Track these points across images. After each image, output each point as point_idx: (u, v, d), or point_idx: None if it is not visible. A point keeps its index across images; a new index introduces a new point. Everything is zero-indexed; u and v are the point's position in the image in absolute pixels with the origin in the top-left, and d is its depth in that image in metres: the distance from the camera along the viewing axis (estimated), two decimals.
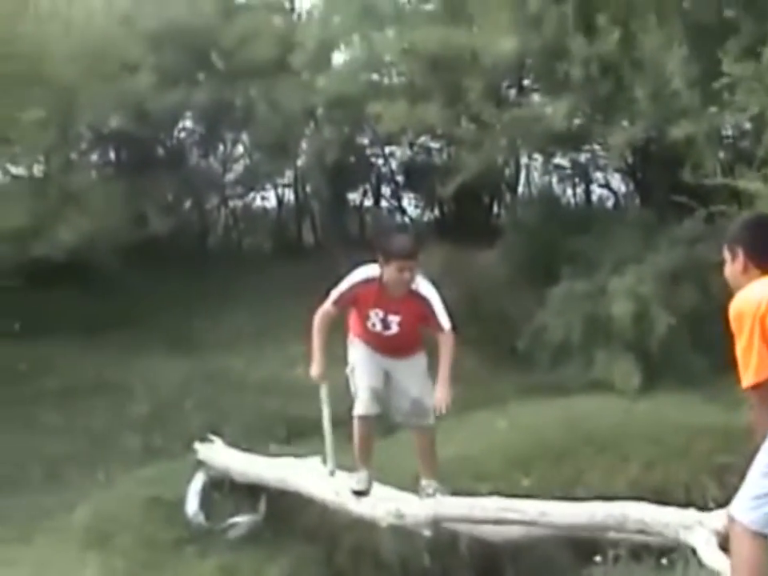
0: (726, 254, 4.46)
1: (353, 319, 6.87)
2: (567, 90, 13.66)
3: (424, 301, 6.57)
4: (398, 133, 15.61)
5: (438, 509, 6.61)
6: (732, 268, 4.41)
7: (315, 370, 6.84)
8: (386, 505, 6.92)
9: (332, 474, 7.50)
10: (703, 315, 13.06)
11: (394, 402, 6.89)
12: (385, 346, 6.77)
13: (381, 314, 6.61)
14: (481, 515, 6.44)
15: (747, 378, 4.02)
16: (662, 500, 8.82)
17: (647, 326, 12.90)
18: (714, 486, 9.62)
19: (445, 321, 6.59)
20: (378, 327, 6.68)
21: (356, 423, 6.86)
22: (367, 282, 6.58)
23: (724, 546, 4.70)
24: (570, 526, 5.88)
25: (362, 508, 7.18)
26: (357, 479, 7.10)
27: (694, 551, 5.27)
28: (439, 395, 6.43)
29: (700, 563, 5.24)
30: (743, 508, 3.99)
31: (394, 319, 6.63)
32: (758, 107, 9.87)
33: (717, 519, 4.88)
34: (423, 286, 6.60)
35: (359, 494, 7.07)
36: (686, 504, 9.02)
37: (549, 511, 5.97)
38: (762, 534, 3.94)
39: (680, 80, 12.11)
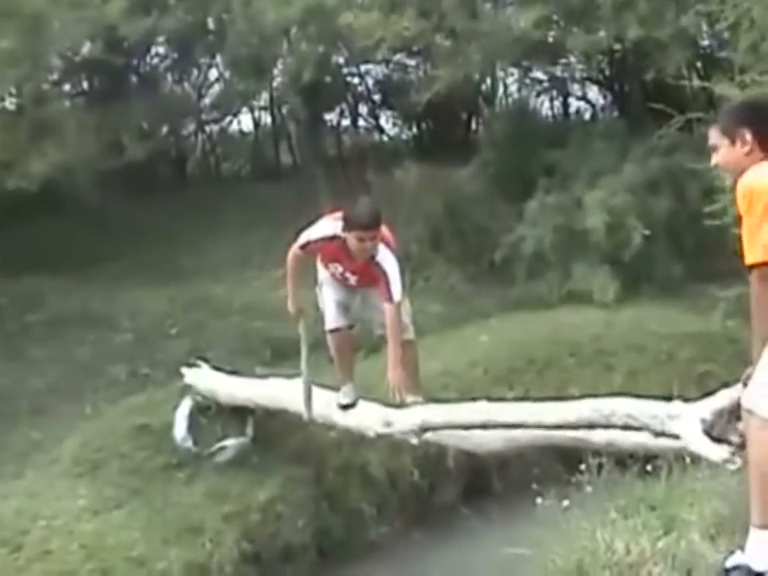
0: (722, 139, 4.28)
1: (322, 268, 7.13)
2: (538, 2, 13.55)
3: (382, 273, 6.68)
4: (373, 47, 15.39)
5: (425, 416, 6.66)
6: (734, 151, 4.21)
7: (291, 306, 7.26)
8: (373, 415, 7.01)
9: (307, 414, 7.62)
10: (680, 225, 13.12)
11: (371, 315, 7.08)
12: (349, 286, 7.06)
13: (340, 268, 6.88)
14: (468, 419, 6.48)
15: (755, 255, 3.90)
16: None
17: (623, 237, 12.92)
18: (696, 393, 9.70)
19: (396, 293, 6.68)
20: (338, 277, 6.97)
21: (329, 338, 7.15)
22: (332, 239, 6.74)
23: (709, 432, 4.75)
24: (557, 424, 5.89)
25: (349, 420, 7.32)
26: (342, 393, 7.30)
27: (681, 457, 5.37)
28: (393, 380, 6.59)
29: (684, 467, 5.35)
30: (759, 399, 3.85)
31: (351, 277, 6.91)
32: (733, 16, 9.78)
33: (703, 408, 4.91)
34: (384, 257, 6.71)
35: (346, 407, 7.25)
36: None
37: (536, 411, 6.02)
38: None
39: None
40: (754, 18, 9.57)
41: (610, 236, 12.88)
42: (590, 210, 13.02)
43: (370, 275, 6.74)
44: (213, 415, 8.96)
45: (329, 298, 7.07)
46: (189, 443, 8.72)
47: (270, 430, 8.84)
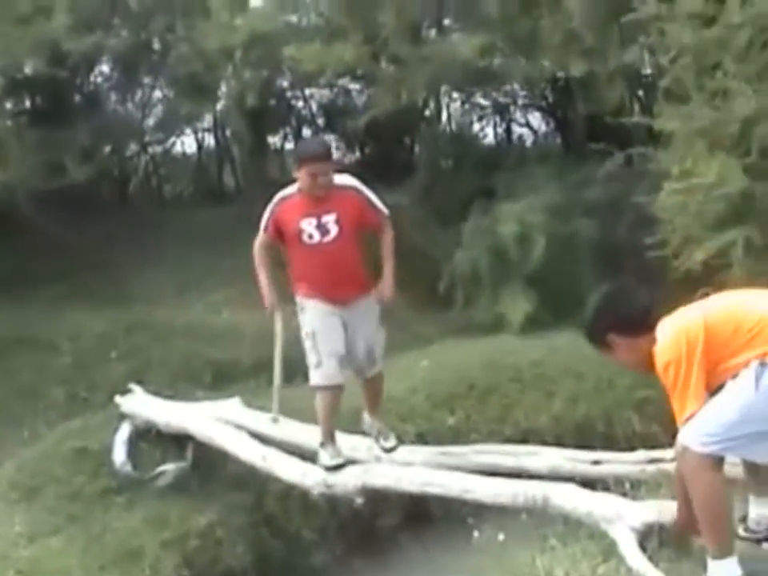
0: (602, 351, 4.44)
1: (292, 267, 6.62)
2: (484, 29, 13.71)
3: (353, 189, 6.45)
4: (317, 73, 15.54)
5: (366, 478, 6.54)
6: (618, 355, 4.40)
7: (267, 300, 6.63)
8: (314, 475, 6.74)
9: (275, 421, 7.51)
10: (617, 252, 13.27)
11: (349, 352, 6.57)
12: (329, 270, 6.42)
13: (314, 220, 6.33)
14: (407, 487, 6.45)
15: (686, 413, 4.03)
16: (585, 434, 9.12)
17: (530, 250, 13.13)
18: (636, 419, 9.81)
19: (381, 205, 6.53)
20: (317, 236, 6.36)
21: (320, 395, 6.50)
22: (285, 198, 6.43)
23: (643, 544, 4.72)
24: (492, 503, 5.92)
25: (291, 476, 7.11)
26: (329, 454, 6.65)
27: (621, 483, 5.42)
28: (387, 289, 6.50)
29: (623, 493, 5.40)
30: (696, 435, 4.00)
31: (329, 219, 6.34)
32: (675, 49, 9.93)
33: (639, 512, 4.88)
34: (346, 179, 6.47)
35: (335, 468, 6.61)
36: (607, 437, 9.33)
37: (472, 488, 5.96)
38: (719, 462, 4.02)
39: (579, 18, 12.27)
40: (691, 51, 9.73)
41: (520, 248, 13.03)
42: (504, 221, 13.21)
43: (346, 204, 6.35)
44: (153, 439, 8.90)
45: (326, 349, 6.37)
46: (128, 468, 8.64)
47: (210, 454, 8.74)
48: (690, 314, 4.19)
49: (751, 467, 4.41)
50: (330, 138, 21.50)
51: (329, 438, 6.68)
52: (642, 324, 4.26)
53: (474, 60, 13.55)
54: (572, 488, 5.38)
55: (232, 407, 8.49)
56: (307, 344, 6.47)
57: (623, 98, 13.54)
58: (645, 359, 4.23)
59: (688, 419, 4.00)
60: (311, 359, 6.44)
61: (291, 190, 6.43)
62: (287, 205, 6.41)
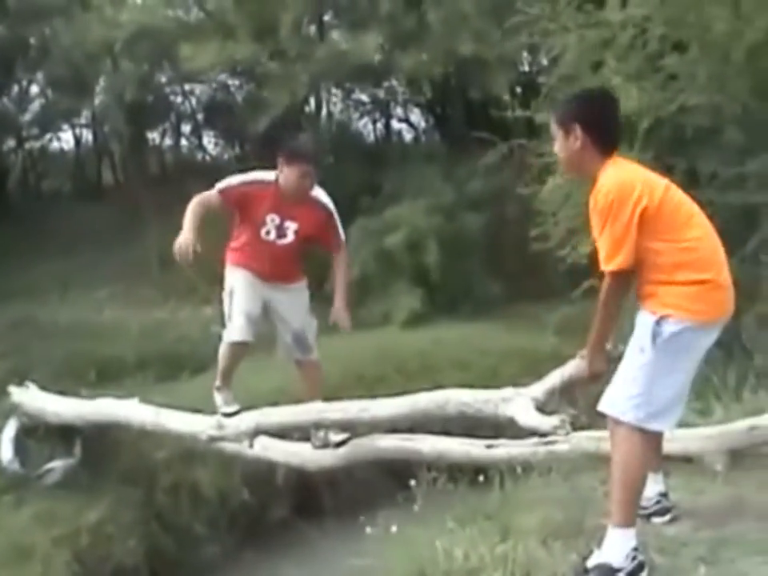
0: (557, 130, 4.38)
1: (237, 241, 6.57)
2: (369, 26, 13.81)
3: (324, 209, 6.46)
4: (205, 70, 15.50)
5: (260, 420, 6.55)
6: (567, 144, 4.32)
7: (186, 237, 5.91)
8: (205, 421, 6.81)
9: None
10: (500, 245, 13.50)
11: (278, 335, 6.75)
12: (271, 263, 6.48)
13: (277, 219, 6.36)
14: (304, 418, 6.48)
15: (616, 262, 4.06)
16: (472, 423, 9.23)
17: (422, 257, 13.31)
18: None
19: (341, 230, 6.56)
20: (273, 235, 6.40)
21: (227, 349, 6.62)
22: (263, 183, 6.33)
23: (542, 409, 5.02)
24: (391, 417, 6.01)
25: (180, 425, 7.12)
26: (224, 401, 6.76)
27: (513, 469, 5.55)
28: (342, 314, 6.41)
29: (516, 477, 5.53)
30: (627, 407, 4.12)
31: (290, 226, 6.41)
32: (558, 48, 10.18)
33: (535, 389, 5.20)
34: (322, 194, 6.47)
35: (231, 414, 6.69)
36: (494, 426, 9.46)
37: (369, 407, 6.11)
38: (646, 429, 4.13)
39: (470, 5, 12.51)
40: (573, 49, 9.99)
41: (410, 256, 13.20)
42: (391, 230, 13.34)
43: (311, 219, 6.40)
44: (40, 437, 8.75)
45: (239, 307, 6.44)
46: (16, 466, 8.47)
47: (99, 450, 8.66)
48: (656, 180, 4.25)
49: None
50: (210, 135, 21.55)
51: (225, 383, 6.78)
52: (609, 138, 4.31)
53: (363, 57, 13.63)
54: (469, 390, 5.68)
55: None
56: (225, 301, 6.58)
57: (502, 90, 13.79)
58: (584, 167, 4.32)
59: (612, 272, 4.10)
60: (226, 316, 6.57)
61: (269, 176, 6.35)
62: (262, 190, 6.33)
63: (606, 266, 4.11)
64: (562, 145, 4.36)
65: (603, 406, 4.21)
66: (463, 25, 13.13)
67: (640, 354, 4.13)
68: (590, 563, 4.13)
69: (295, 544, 8.62)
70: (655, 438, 4.46)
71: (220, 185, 6.36)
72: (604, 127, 4.31)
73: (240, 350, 6.60)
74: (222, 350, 6.67)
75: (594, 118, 4.29)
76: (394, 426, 6.35)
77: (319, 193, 6.47)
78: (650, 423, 4.12)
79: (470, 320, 12.77)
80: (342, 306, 6.44)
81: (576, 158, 4.32)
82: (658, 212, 4.08)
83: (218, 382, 6.81)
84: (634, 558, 4.11)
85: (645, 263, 4.12)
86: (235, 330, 6.49)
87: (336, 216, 6.54)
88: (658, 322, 4.08)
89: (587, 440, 5.72)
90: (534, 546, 4.47)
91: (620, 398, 4.15)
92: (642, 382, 4.10)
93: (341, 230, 6.61)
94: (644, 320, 4.15)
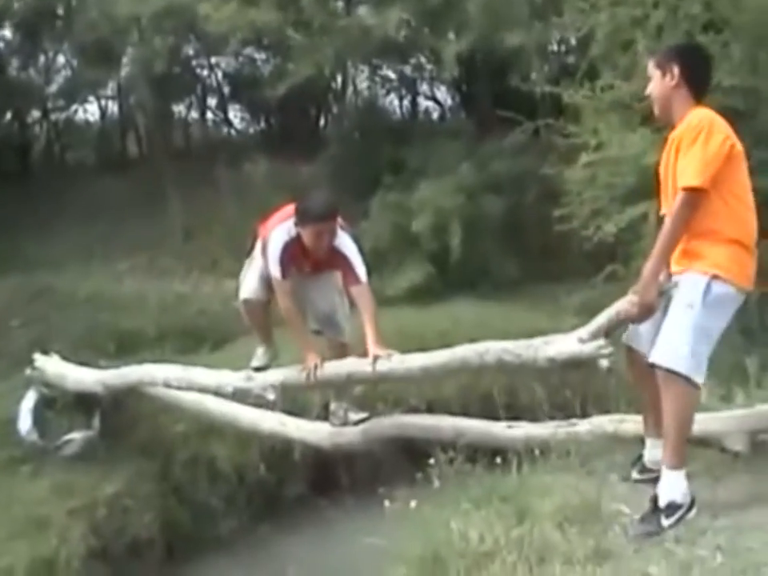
0: (655, 70, 4.73)
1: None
2: (394, 1, 13.72)
3: (344, 258, 6.43)
4: (226, 38, 15.38)
5: (288, 373, 6.58)
6: (663, 83, 4.69)
7: (310, 358, 6.40)
8: (234, 375, 6.87)
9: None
10: (521, 225, 13.42)
11: (308, 314, 6.78)
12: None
13: (308, 268, 6.55)
14: (335, 372, 6.43)
15: (701, 179, 4.35)
16: (488, 405, 9.19)
17: (445, 240, 13.23)
18: (541, 389, 9.91)
19: (362, 273, 6.44)
20: (307, 269, 6.58)
21: (243, 307, 6.78)
22: (287, 245, 6.35)
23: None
24: (426, 367, 6.02)
25: (209, 380, 7.13)
26: (255, 356, 6.90)
27: (531, 450, 5.51)
28: (380, 353, 6.21)
29: (533, 460, 5.49)
30: (680, 359, 4.37)
31: (311, 271, 6.60)
32: (587, 27, 10.08)
33: (581, 331, 5.15)
34: (342, 241, 6.44)
35: (258, 369, 6.81)
36: (511, 407, 9.42)
37: (404, 359, 6.14)
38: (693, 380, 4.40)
39: None
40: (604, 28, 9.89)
41: (435, 238, 13.13)
42: (418, 212, 13.28)
43: (332, 265, 6.52)
44: (59, 408, 8.76)
45: (254, 272, 6.63)
46: (34, 436, 8.49)
47: (117, 423, 8.68)
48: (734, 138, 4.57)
49: (652, 409, 4.78)
50: (236, 108, 21.48)
51: (261, 340, 6.94)
52: (701, 83, 4.73)
53: (387, 32, 13.54)
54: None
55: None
56: (245, 266, 6.78)
57: (529, 71, 13.68)
58: (674, 108, 4.68)
59: (693, 188, 4.36)
60: (241, 277, 6.79)
61: (291, 232, 6.36)
62: (291, 251, 6.37)
63: (691, 181, 4.37)
64: (657, 83, 4.74)
65: (656, 358, 4.44)
66: (503, 11, 12.98)
67: (689, 310, 4.42)
68: (661, 502, 4.47)
69: (312, 521, 8.62)
70: None
71: (275, 271, 6.39)
72: (698, 72, 4.72)
73: (253, 304, 6.71)
74: (241, 311, 6.86)
75: (690, 61, 4.72)
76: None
77: (340, 240, 6.44)
78: (696, 376, 4.40)
79: (490, 299, 12.70)
80: (376, 346, 6.28)
81: (668, 95, 4.70)
82: (738, 158, 4.50)
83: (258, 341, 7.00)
84: (688, 495, 4.49)
85: (706, 211, 4.43)
86: (248, 289, 6.67)
87: (355, 259, 6.46)
88: (709, 282, 4.42)
89: (609, 422, 5.77)
90: (549, 530, 4.46)
91: (672, 351, 4.40)
92: (691, 336, 4.39)
93: (360, 269, 6.47)
94: (693, 278, 4.46)
